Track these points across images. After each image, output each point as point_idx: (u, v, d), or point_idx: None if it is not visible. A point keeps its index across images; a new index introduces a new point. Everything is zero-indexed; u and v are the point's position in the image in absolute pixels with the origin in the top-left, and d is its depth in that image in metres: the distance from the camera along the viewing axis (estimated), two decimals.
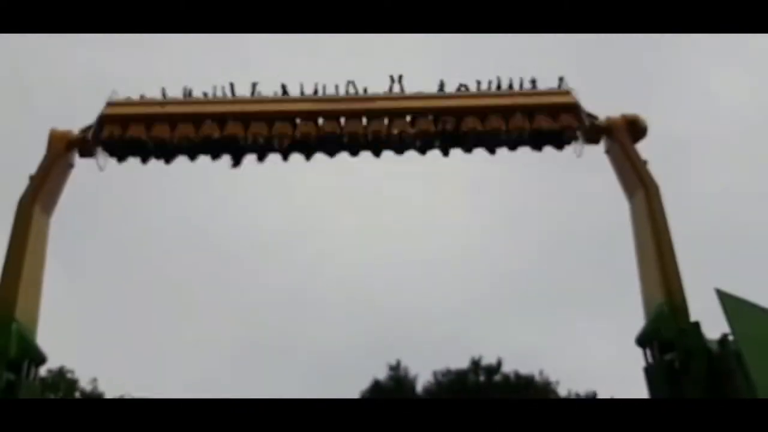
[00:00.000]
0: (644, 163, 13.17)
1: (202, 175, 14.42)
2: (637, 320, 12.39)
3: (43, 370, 12.45)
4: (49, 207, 13.27)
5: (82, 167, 14.04)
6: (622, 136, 13.72)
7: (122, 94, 14.22)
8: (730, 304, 10.62)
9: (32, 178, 12.93)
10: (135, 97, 14.34)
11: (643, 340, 11.99)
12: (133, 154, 14.09)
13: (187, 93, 14.37)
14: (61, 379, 40.42)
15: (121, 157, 14.11)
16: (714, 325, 10.68)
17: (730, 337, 10.49)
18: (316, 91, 14.37)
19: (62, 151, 13.60)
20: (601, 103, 14.28)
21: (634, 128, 13.82)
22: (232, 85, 14.39)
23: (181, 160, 14.17)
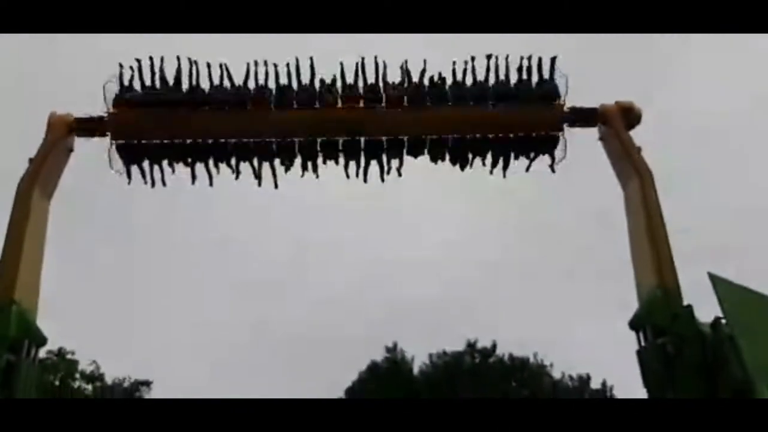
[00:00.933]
0: (638, 150, 13.16)
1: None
2: (630, 304, 12.56)
3: (42, 352, 12.54)
4: (48, 190, 13.30)
5: (82, 150, 14.08)
6: (616, 123, 13.69)
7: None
8: (723, 287, 10.71)
9: (32, 162, 12.92)
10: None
11: (636, 324, 12.13)
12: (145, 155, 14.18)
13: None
14: (61, 360, 40.58)
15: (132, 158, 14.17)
16: (707, 309, 10.83)
17: (723, 321, 10.57)
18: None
19: (62, 135, 13.57)
20: (598, 100, 14.25)
21: (629, 116, 13.79)
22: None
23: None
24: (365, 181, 14.60)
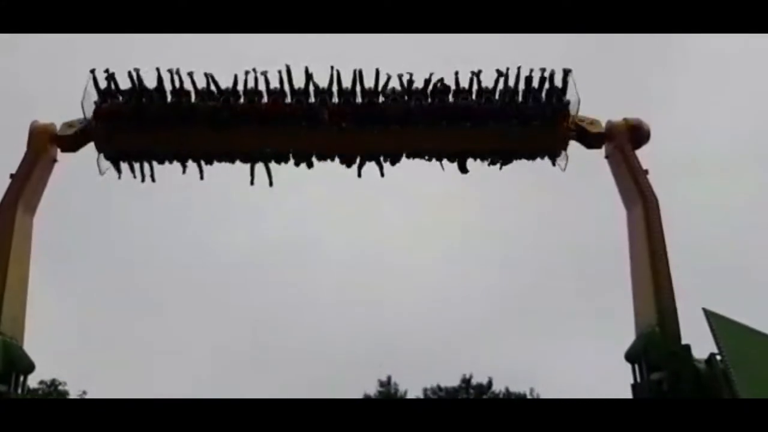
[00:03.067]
0: (645, 173, 12.49)
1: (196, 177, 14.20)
2: (627, 337, 12.15)
3: (36, 382, 12.17)
4: (31, 206, 12.53)
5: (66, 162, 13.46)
6: (623, 142, 12.97)
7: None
8: (718, 323, 10.58)
9: (14, 177, 12.20)
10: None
11: (632, 357, 11.71)
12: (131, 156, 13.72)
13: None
14: (53, 390, 39.99)
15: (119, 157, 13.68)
16: (701, 343, 10.67)
17: (718, 357, 10.39)
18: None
19: (45, 146, 12.78)
20: (601, 104, 13.80)
21: (637, 134, 13.10)
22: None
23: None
24: (359, 175, 14.13)
